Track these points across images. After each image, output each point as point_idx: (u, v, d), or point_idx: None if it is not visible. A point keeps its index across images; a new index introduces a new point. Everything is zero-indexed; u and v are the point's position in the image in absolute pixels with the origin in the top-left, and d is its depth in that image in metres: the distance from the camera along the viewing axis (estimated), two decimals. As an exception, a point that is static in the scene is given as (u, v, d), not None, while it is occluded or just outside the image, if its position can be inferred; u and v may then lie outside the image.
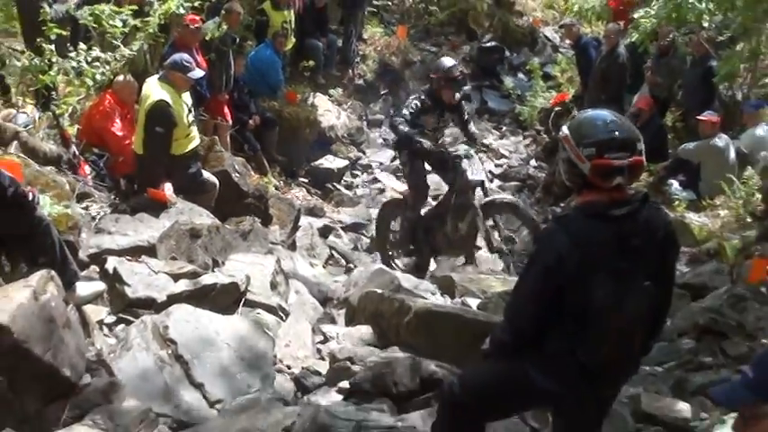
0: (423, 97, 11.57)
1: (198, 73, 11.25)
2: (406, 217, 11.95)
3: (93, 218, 10.05)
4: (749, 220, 11.99)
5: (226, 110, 13.73)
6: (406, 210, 11.93)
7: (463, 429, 5.70)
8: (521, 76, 20.57)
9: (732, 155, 13.08)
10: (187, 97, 11.19)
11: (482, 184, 10.73)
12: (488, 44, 22.16)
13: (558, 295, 5.06)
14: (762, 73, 17.03)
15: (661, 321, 5.58)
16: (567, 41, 19.63)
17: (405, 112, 11.44)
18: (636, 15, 13.84)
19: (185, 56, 11.21)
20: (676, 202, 12.50)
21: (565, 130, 5.13)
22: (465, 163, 10.57)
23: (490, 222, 10.98)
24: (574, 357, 5.13)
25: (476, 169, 10.44)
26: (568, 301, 5.02)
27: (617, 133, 4.96)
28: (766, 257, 10.56)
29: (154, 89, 10.81)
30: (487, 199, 10.95)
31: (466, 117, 12.03)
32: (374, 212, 14.27)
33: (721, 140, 13.19)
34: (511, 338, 5.40)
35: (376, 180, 16.37)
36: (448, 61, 12.09)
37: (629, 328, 5.06)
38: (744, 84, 16.31)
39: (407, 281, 10.39)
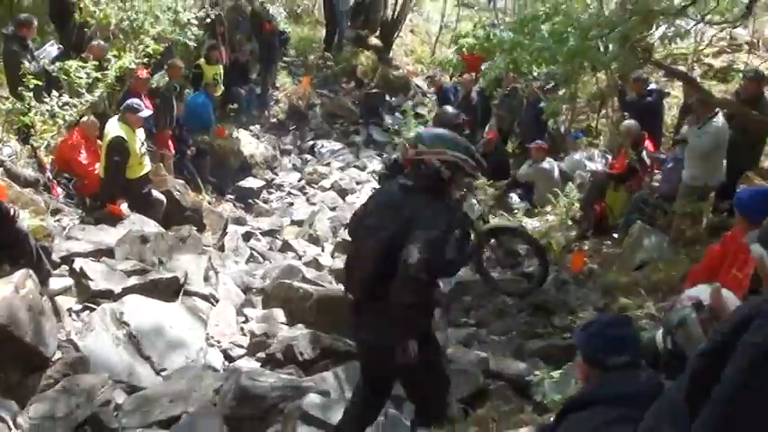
0: None
1: (146, 113, 11.33)
2: None
3: (64, 228, 10.00)
4: (570, 223, 12.18)
5: (169, 143, 13.66)
6: None
7: None
8: (397, 115, 20.62)
9: (557, 174, 13.27)
10: (140, 133, 11.16)
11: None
12: (372, 91, 22.20)
13: None
14: (578, 111, 17.33)
15: None
16: (432, 89, 19.77)
17: None
18: (483, 67, 13.97)
19: (136, 100, 11.32)
20: (516, 210, 12.64)
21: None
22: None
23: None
24: None
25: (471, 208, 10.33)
26: None
27: None
28: (583, 252, 10.74)
29: (113, 127, 10.85)
30: (491, 225, 10.81)
31: None
32: (286, 221, 14.32)
33: (548, 163, 13.39)
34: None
35: (287, 195, 16.40)
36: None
37: None
38: (565, 120, 16.55)
39: (309, 273, 10.45)
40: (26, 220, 8.22)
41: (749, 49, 19.41)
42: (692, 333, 2.51)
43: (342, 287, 10.06)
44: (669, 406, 1.92)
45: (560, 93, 14.88)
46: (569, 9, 10.26)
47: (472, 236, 10.75)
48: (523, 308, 10.04)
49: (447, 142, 5.43)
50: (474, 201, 10.35)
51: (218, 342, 8.41)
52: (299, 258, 11.60)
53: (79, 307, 8.30)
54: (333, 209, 15.05)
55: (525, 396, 7.13)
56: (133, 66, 12.33)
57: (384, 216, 5.35)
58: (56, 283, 8.25)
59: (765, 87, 10.73)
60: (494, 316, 10.14)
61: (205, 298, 9.22)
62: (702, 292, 3.54)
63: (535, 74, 12.38)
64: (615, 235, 11.34)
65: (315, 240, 12.88)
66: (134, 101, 11.22)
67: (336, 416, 6.32)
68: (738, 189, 10.44)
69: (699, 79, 15.05)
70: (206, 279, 9.59)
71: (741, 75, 13.68)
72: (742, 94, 10.96)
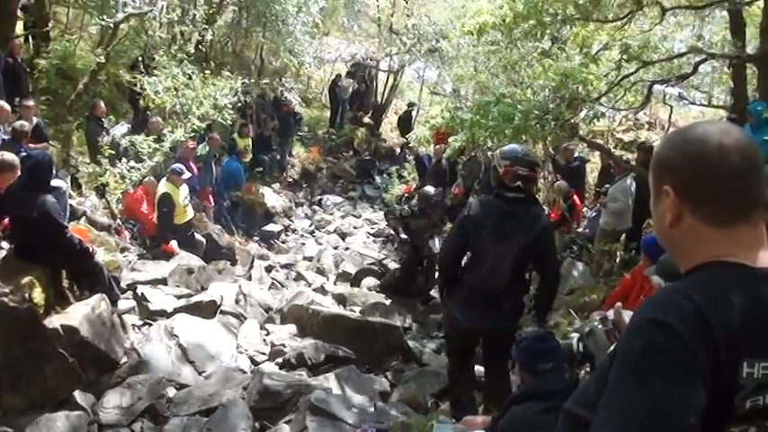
0: None
1: (187, 175, 11.45)
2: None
3: (129, 262, 10.02)
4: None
5: (209, 197, 13.71)
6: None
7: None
8: (385, 176, 20.70)
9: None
10: (184, 189, 11.29)
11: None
12: (366, 157, 22.39)
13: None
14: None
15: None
16: (411, 156, 19.85)
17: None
18: (450, 140, 14.09)
19: (180, 165, 11.47)
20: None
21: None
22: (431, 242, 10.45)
23: None
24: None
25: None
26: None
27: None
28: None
29: (161, 186, 11.14)
30: None
31: None
32: (299, 257, 14.35)
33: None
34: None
35: (300, 237, 16.42)
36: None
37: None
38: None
39: (317, 297, 10.48)
40: (101, 256, 8.27)
41: (648, 127, 19.80)
42: (598, 340, 2.59)
43: (341, 308, 10.18)
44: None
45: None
46: (513, 97, 10.36)
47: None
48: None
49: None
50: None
51: (246, 350, 8.41)
52: (309, 286, 11.60)
53: (140, 323, 8.34)
54: (335, 248, 15.10)
55: (483, 392, 7.17)
56: (183, 138, 12.42)
57: (513, 223, 5.19)
58: (123, 304, 8.32)
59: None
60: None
61: (236, 316, 9.21)
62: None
63: (489, 144, 12.46)
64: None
65: (321, 272, 12.90)
66: (178, 165, 11.40)
67: (337, 406, 6.40)
68: (643, 234, 10.57)
69: (612, 150, 15.21)
70: (237, 301, 9.59)
71: (636, 146, 13.90)
72: (639, 160, 11.14)
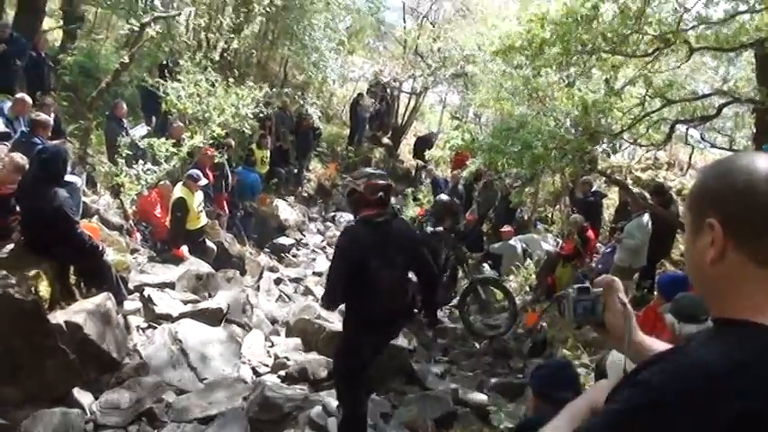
0: None
1: (203, 182, 11.37)
2: None
3: (139, 264, 10.01)
4: (528, 289, 12.19)
5: (224, 204, 13.69)
6: None
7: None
8: (400, 197, 20.67)
9: (520, 251, 13.27)
10: (199, 195, 11.24)
11: None
12: (382, 178, 22.33)
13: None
14: (539, 204, 17.42)
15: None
16: (428, 179, 19.83)
17: None
18: (468, 162, 14.03)
19: (197, 171, 11.35)
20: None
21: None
22: None
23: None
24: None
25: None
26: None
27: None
28: (536, 312, 10.70)
29: (177, 190, 11.07)
30: (481, 276, 11.02)
31: None
32: (309, 272, 14.28)
33: (514, 242, 13.39)
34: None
35: (311, 252, 16.36)
36: None
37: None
38: (529, 210, 16.62)
39: (323, 312, 10.40)
40: (110, 255, 8.24)
41: (667, 167, 19.70)
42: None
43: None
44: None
45: (526, 189, 15.00)
46: (534, 124, 10.35)
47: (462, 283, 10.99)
48: (487, 351, 10.08)
49: None
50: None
51: (249, 360, 8.35)
52: (317, 301, 11.53)
53: (145, 325, 8.29)
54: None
55: (485, 421, 7.21)
56: (201, 145, 12.42)
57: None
58: (129, 305, 8.28)
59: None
60: (464, 356, 10.17)
61: (241, 326, 9.18)
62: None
63: (506, 171, 12.44)
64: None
65: (329, 288, 12.85)
66: (195, 171, 11.30)
67: (336, 425, 6.30)
68: (657, 272, 10.52)
69: (630, 187, 15.16)
70: (243, 311, 9.54)
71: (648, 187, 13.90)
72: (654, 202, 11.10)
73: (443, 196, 12.18)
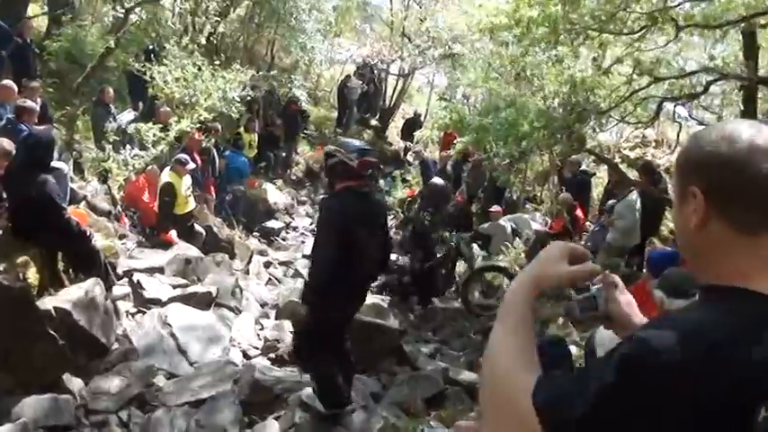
0: None
1: (191, 166, 11.35)
2: None
3: (128, 249, 10.00)
4: (517, 268, 12.19)
5: (212, 189, 13.66)
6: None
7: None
8: (389, 179, 20.65)
9: (509, 231, 13.27)
10: (187, 180, 11.23)
11: None
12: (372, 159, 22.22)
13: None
14: (528, 184, 17.45)
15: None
16: (417, 161, 19.82)
17: None
18: (455, 141, 14.01)
19: (184, 155, 11.36)
20: (477, 257, 12.66)
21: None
22: None
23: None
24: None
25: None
26: None
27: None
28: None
29: (164, 175, 11.07)
30: (483, 264, 11.13)
31: None
32: (298, 255, 14.26)
33: (503, 222, 13.39)
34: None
35: (301, 236, 16.34)
36: None
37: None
38: (518, 190, 16.65)
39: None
40: (99, 241, 8.24)
41: (655, 145, 19.78)
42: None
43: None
44: None
45: (514, 169, 15.00)
46: (521, 104, 10.35)
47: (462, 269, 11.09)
48: (477, 330, 10.06)
49: None
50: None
51: (239, 343, 8.34)
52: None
53: (134, 310, 8.30)
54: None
55: (476, 399, 7.16)
56: (189, 129, 12.36)
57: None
58: (117, 290, 8.25)
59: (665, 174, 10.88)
60: (454, 336, 10.20)
61: (231, 309, 9.18)
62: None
63: (496, 152, 12.45)
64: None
65: (320, 271, 12.82)
66: (182, 156, 11.30)
67: (327, 405, 6.34)
68: (646, 249, 10.56)
69: (618, 165, 15.18)
70: (233, 294, 9.53)
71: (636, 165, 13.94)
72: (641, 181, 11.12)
73: (438, 180, 12.20)
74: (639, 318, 1.88)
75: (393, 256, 14.29)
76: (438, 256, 11.20)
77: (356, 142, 6.76)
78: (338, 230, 5.42)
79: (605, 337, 3.41)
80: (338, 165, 5.64)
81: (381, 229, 5.97)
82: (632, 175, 12.99)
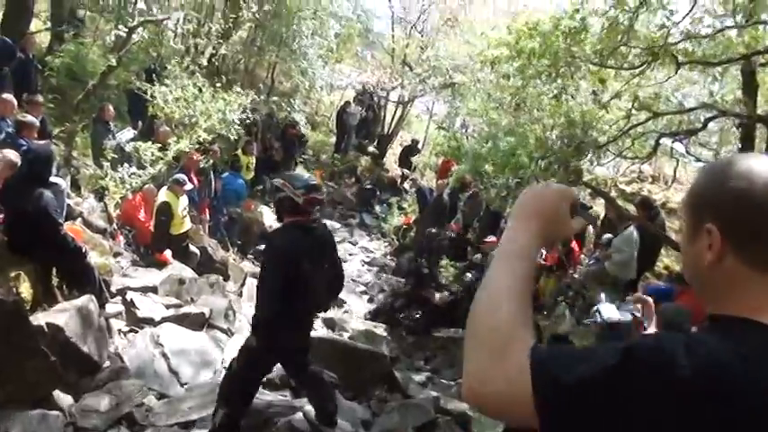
0: None
1: (188, 186, 11.43)
2: None
3: (122, 267, 9.99)
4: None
5: (207, 210, 13.67)
6: None
7: None
8: (385, 206, 20.68)
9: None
10: (184, 200, 11.27)
11: None
12: (368, 185, 22.28)
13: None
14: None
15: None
16: (413, 188, 19.87)
17: None
18: (453, 168, 14.06)
19: (182, 175, 11.43)
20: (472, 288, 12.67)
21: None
22: None
23: None
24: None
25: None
26: None
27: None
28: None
29: (161, 194, 11.10)
30: None
31: None
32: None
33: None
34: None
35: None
36: None
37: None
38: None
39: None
40: (93, 258, 8.24)
41: (652, 181, 19.87)
42: None
43: (330, 332, 10.12)
44: None
45: (509, 200, 15.03)
46: (520, 134, 10.41)
47: None
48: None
49: None
50: None
51: (232, 366, 8.34)
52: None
53: (127, 329, 8.28)
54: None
55: (466, 430, 7.19)
56: (187, 149, 12.39)
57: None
58: (111, 308, 8.26)
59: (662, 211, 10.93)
60: (446, 365, 10.17)
61: (224, 331, 9.18)
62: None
63: (494, 182, 12.47)
64: (545, 312, 11.32)
65: (313, 294, 12.79)
66: (180, 176, 11.36)
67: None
68: (640, 284, 10.58)
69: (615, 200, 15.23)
70: (226, 316, 9.52)
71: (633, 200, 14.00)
72: (639, 216, 11.16)
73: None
74: None
75: (386, 279, 14.43)
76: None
77: (305, 176, 7.07)
78: (283, 264, 5.55)
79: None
80: (285, 200, 5.76)
81: (329, 262, 6.10)
82: (629, 210, 13.03)
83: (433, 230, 11.79)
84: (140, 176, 11.68)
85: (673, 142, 12.97)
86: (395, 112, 26.02)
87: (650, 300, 1.87)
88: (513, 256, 1.53)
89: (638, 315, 2.00)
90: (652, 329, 1.70)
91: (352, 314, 11.74)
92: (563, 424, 1.25)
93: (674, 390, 1.19)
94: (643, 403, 1.19)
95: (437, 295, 11.89)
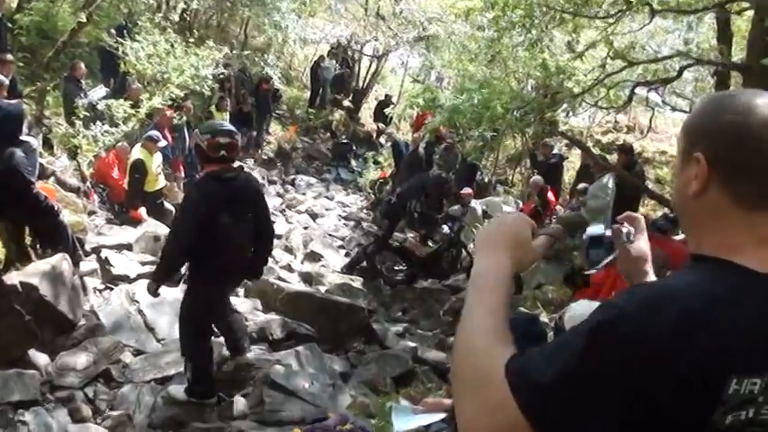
0: None
1: (162, 143, 11.39)
2: None
3: (96, 225, 9.95)
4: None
5: (181, 167, 13.57)
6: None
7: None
8: (361, 160, 20.66)
9: (479, 212, 13.31)
10: (158, 157, 11.23)
11: None
12: (343, 140, 22.21)
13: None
14: (500, 167, 17.51)
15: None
16: (389, 142, 19.84)
17: None
18: (428, 119, 14.02)
19: (156, 132, 11.38)
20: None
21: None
22: None
23: None
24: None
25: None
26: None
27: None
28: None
29: (135, 151, 11.07)
30: None
31: None
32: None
33: (474, 204, 13.42)
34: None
35: (271, 215, 16.28)
36: None
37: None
38: (490, 172, 16.70)
39: (283, 273, 10.45)
40: (67, 216, 8.18)
41: (627, 131, 19.94)
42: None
43: (307, 287, 10.13)
44: None
45: (486, 151, 15.07)
46: (495, 86, 10.36)
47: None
48: (447, 311, 10.11)
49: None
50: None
51: (208, 321, 8.36)
52: (276, 263, 11.48)
53: (102, 286, 8.26)
54: (305, 228, 14.96)
55: (444, 378, 7.25)
56: (160, 106, 12.27)
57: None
58: (85, 266, 8.23)
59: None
60: (423, 316, 10.25)
61: (201, 286, 9.16)
62: (583, 305, 3.68)
63: (470, 134, 12.47)
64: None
65: (289, 250, 12.77)
66: (154, 133, 11.31)
67: (296, 383, 6.39)
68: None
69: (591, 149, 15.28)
70: (203, 272, 9.52)
71: (616, 147, 14.01)
72: (619, 162, 11.18)
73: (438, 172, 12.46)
74: (649, 264, 1.92)
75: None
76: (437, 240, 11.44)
77: (217, 123, 7.08)
78: (197, 215, 5.44)
79: (576, 316, 3.44)
80: (195, 147, 5.73)
81: (250, 216, 5.82)
82: (606, 159, 13.09)
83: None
84: (113, 134, 11.57)
85: (648, 92, 13.00)
86: (369, 65, 25.81)
87: (640, 216, 1.88)
88: (484, 290, 1.52)
89: (624, 229, 2.01)
90: (641, 242, 1.70)
91: (330, 268, 11.74)
92: (563, 424, 1.24)
93: (646, 354, 1.18)
94: (622, 376, 1.19)
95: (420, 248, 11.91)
